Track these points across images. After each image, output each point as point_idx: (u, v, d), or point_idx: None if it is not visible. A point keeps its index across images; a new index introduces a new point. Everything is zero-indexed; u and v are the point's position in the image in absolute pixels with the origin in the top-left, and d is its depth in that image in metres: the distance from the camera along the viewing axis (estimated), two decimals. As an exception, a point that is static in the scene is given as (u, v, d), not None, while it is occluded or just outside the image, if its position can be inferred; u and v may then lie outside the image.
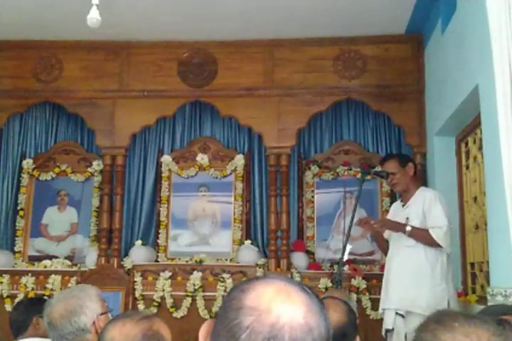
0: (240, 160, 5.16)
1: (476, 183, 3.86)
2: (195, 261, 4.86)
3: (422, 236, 3.31)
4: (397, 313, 3.30)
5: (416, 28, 4.77)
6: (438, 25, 4.30)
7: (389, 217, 3.79)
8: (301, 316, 0.83)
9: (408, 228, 3.33)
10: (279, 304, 0.83)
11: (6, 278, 4.86)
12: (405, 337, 3.22)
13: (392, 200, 4.82)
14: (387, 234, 3.66)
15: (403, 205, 3.57)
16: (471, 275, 4.00)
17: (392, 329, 3.31)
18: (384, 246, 3.70)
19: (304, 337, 0.82)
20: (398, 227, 3.41)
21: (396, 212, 3.62)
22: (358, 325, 2.03)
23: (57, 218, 5.27)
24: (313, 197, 5.13)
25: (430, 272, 3.29)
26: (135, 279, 4.77)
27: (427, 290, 3.25)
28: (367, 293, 4.54)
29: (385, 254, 3.70)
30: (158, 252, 5.09)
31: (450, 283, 3.35)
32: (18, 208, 5.24)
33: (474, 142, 3.94)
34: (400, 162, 3.57)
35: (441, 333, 1.00)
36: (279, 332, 0.81)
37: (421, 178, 4.37)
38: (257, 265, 4.75)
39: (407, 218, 3.41)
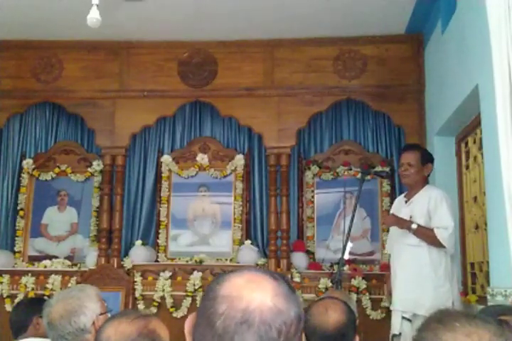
0: (239, 160, 5.16)
1: (476, 183, 3.86)
2: (195, 261, 4.86)
3: (427, 235, 3.27)
4: (403, 317, 3.26)
5: (416, 28, 4.77)
6: (438, 25, 4.30)
7: (392, 211, 3.72)
8: (269, 300, 0.90)
9: (414, 226, 3.28)
10: (249, 291, 0.91)
11: (6, 278, 4.86)
12: None
13: (392, 200, 4.80)
14: (390, 231, 3.63)
15: (406, 201, 3.50)
16: (471, 275, 4.00)
17: (399, 334, 3.27)
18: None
19: (273, 318, 0.89)
20: (403, 224, 3.36)
21: (399, 208, 3.54)
22: (358, 325, 2.03)
23: (57, 218, 5.27)
24: (313, 197, 5.13)
25: (433, 273, 3.24)
26: (135, 279, 4.77)
27: (430, 291, 3.20)
28: (367, 293, 4.53)
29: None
30: (158, 252, 5.09)
31: (454, 284, 3.30)
32: (18, 208, 5.24)
33: (474, 142, 3.94)
34: (422, 158, 3.47)
35: (442, 333, 1.00)
36: (250, 315, 0.88)
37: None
38: (257, 265, 4.75)
39: (411, 216, 3.35)
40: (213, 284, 0.95)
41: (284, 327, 0.90)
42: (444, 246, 3.24)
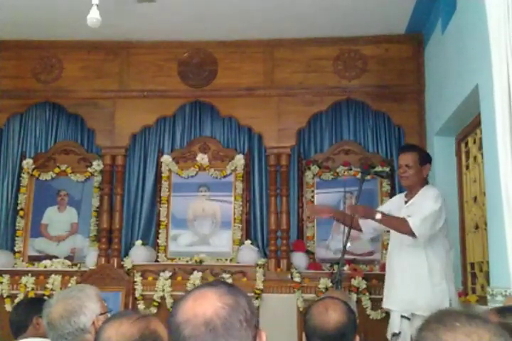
0: (239, 160, 5.16)
1: (476, 183, 3.86)
2: (195, 261, 4.86)
3: (394, 223, 3.27)
4: (402, 316, 3.26)
5: (416, 28, 4.77)
6: (438, 25, 4.31)
7: (389, 204, 3.71)
8: (218, 302, 1.04)
9: (378, 216, 3.28)
10: (199, 306, 1.04)
11: (6, 278, 4.86)
12: (411, 339, 3.19)
13: (392, 200, 4.81)
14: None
15: (406, 201, 3.48)
16: (471, 275, 4.00)
17: (399, 333, 3.26)
18: (349, 223, 3.51)
19: (230, 314, 1.02)
20: (370, 213, 3.38)
21: (399, 207, 3.52)
22: (358, 325, 2.03)
23: (57, 218, 5.27)
24: (313, 197, 5.13)
25: (429, 272, 3.24)
26: (135, 279, 4.77)
27: (427, 291, 3.20)
28: (367, 293, 4.53)
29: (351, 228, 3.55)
30: (158, 252, 5.09)
31: (451, 282, 3.30)
32: (18, 208, 5.23)
33: (474, 142, 3.94)
34: (420, 158, 3.43)
35: (442, 333, 1.00)
36: (211, 323, 1.01)
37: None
38: (257, 265, 4.75)
39: (409, 216, 3.35)
40: (170, 319, 1.07)
41: (242, 315, 1.04)
42: (414, 235, 3.19)
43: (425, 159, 3.47)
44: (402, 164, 3.47)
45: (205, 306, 1.03)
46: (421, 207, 3.27)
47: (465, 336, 0.97)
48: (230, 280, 4.64)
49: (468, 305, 3.67)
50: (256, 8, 4.45)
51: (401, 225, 3.24)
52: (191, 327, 1.01)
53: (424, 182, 3.49)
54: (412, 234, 3.20)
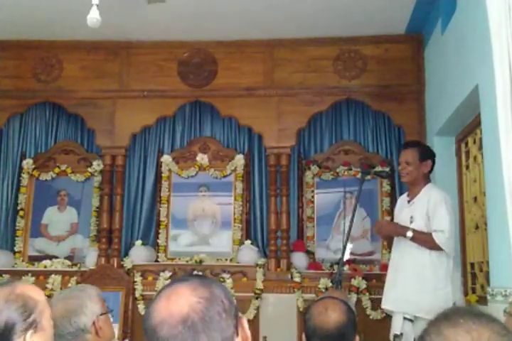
0: (239, 160, 5.16)
1: (476, 183, 3.86)
2: (195, 261, 4.86)
3: (424, 240, 3.23)
4: (405, 318, 3.24)
5: (416, 28, 4.77)
6: (438, 25, 4.31)
7: (395, 210, 3.69)
8: (193, 297, 0.98)
9: (409, 234, 3.24)
10: (174, 304, 0.98)
11: (6, 278, 4.85)
12: None
13: (392, 200, 4.82)
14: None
15: (409, 201, 3.45)
16: (471, 275, 4.00)
17: (401, 334, 3.25)
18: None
19: (208, 307, 0.97)
20: (398, 232, 3.35)
21: (402, 207, 3.52)
22: (358, 325, 2.02)
23: (57, 218, 5.27)
24: (313, 197, 5.13)
25: (433, 275, 3.20)
26: (135, 279, 4.77)
27: (430, 294, 3.16)
28: (367, 293, 4.53)
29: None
30: (158, 252, 5.09)
31: (457, 285, 3.25)
32: (18, 208, 5.23)
33: (474, 142, 3.94)
34: (420, 155, 3.41)
35: (444, 328, 1.01)
36: (189, 320, 0.95)
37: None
38: (257, 265, 4.75)
39: (412, 217, 3.32)
40: (144, 323, 1.00)
41: (219, 307, 0.99)
42: (442, 250, 3.20)
43: (426, 155, 3.44)
44: (401, 160, 3.46)
45: (180, 303, 0.98)
46: (438, 218, 3.24)
47: (465, 332, 0.98)
48: (229, 280, 4.65)
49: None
50: (256, 8, 4.45)
51: (429, 243, 3.22)
52: (167, 328, 0.96)
53: (427, 180, 3.45)
54: (440, 249, 3.21)
